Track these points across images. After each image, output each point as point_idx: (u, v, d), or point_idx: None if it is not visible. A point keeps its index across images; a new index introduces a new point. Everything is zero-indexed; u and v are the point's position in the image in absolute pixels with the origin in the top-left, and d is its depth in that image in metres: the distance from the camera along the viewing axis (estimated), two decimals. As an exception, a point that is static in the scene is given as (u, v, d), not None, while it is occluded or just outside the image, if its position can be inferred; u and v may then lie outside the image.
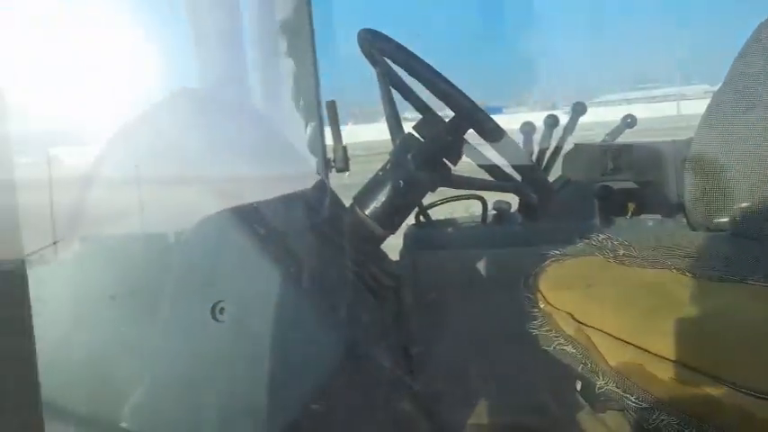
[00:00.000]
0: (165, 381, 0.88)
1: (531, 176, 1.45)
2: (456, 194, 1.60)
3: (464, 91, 1.24)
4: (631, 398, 0.73)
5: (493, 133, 1.28)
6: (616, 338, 0.77)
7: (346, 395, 0.88)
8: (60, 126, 1.12)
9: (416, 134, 1.27)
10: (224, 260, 0.89)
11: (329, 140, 1.56)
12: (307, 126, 1.61)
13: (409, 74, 1.30)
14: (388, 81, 1.30)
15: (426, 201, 1.50)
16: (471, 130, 1.30)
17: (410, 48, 1.30)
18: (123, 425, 0.88)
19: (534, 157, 1.81)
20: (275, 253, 0.89)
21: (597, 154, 1.63)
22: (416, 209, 1.58)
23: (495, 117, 1.28)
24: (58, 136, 1.11)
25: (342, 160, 1.51)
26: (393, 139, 1.27)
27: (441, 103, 1.28)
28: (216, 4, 1.57)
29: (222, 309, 0.86)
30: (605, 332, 0.79)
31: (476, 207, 1.69)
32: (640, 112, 2.32)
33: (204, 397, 0.86)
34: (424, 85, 1.28)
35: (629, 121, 1.91)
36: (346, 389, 0.88)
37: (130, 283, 0.91)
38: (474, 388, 1.41)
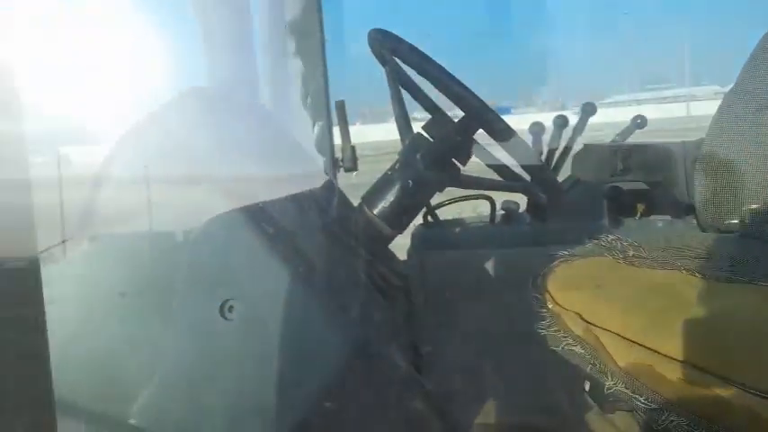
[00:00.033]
0: (174, 379, 0.89)
1: (540, 176, 1.45)
2: (464, 194, 1.60)
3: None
4: (640, 398, 0.73)
5: (503, 133, 1.28)
6: (625, 339, 0.77)
7: (357, 394, 0.88)
8: (70, 125, 1.13)
9: (425, 134, 1.27)
10: (233, 259, 0.89)
11: (338, 140, 1.56)
12: (314, 125, 1.61)
13: (420, 74, 1.30)
14: (398, 81, 1.30)
15: (434, 201, 1.50)
16: (480, 130, 1.29)
17: (418, 47, 1.30)
18: (132, 422, 0.89)
19: (543, 157, 1.80)
20: (284, 252, 0.89)
21: (607, 154, 1.62)
22: (424, 209, 1.58)
23: (504, 118, 1.28)
24: (68, 135, 1.12)
25: (350, 160, 1.51)
26: (402, 139, 1.27)
27: (449, 103, 1.28)
28: (225, 5, 1.58)
29: (231, 307, 0.87)
30: (614, 333, 0.79)
31: (483, 207, 1.69)
32: (650, 112, 2.31)
33: (213, 395, 0.87)
34: (434, 85, 1.28)
35: (640, 122, 1.90)
36: (357, 388, 0.88)
37: (140, 281, 0.91)
38: (482, 387, 1.41)
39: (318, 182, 1.33)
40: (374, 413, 0.91)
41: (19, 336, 0.41)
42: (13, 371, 0.41)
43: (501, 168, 1.51)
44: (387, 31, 1.33)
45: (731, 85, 1.17)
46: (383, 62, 1.33)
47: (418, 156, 1.23)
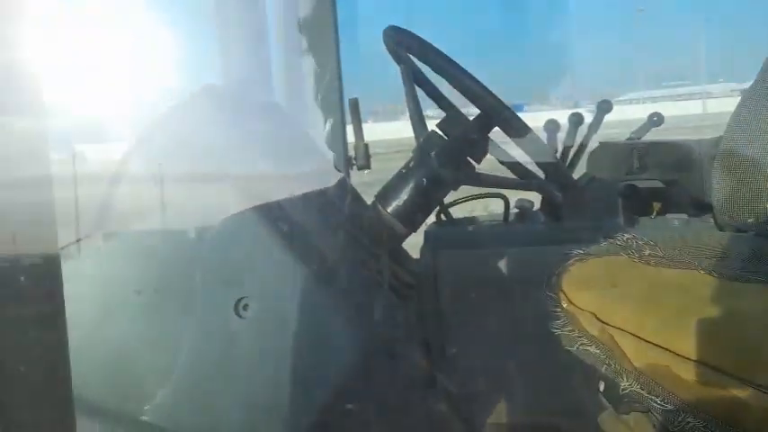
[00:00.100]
0: (190, 376, 0.89)
1: (555, 174, 1.44)
2: (477, 192, 1.60)
3: (484, 89, 1.24)
4: (656, 399, 0.72)
5: (519, 131, 1.27)
6: (641, 339, 0.77)
7: (371, 392, 0.89)
8: (85, 123, 1.14)
9: (440, 132, 1.27)
10: (248, 257, 0.90)
11: (350, 138, 1.56)
12: (326, 123, 1.62)
13: (435, 71, 1.30)
14: (413, 78, 1.30)
15: (447, 199, 1.49)
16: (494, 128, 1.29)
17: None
18: (147, 419, 0.89)
19: (558, 154, 1.79)
20: (298, 250, 0.90)
21: (623, 152, 1.61)
22: (437, 207, 1.57)
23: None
24: (84, 133, 1.13)
25: (363, 158, 1.51)
26: (417, 137, 1.26)
27: (463, 101, 1.28)
28: (240, 3, 1.58)
29: (246, 305, 0.87)
30: (629, 332, 0.78)
31: (495, 205, 1.68)
32: (666, 110, 2.29)
33: (228, 393, 0.87)
34: (449, 82, 1.27)
35: (656, 120, 1.88)
36: (371, 386, 0.88)
37: (155, 279, 0.92)
38: (495, 387, 1.41)
39: (332, 180, 1.33)
40: (389, 411, 0.91)
41: (39, 333, 0.41)
42: (34, 368, 0.41)
43: (515, 166, 1.51)
44: (402, 29, 1.33)
45: (748, 83, 1.16)
46: (398, 60, 1.32)
47: (433, 154, 1.23)
